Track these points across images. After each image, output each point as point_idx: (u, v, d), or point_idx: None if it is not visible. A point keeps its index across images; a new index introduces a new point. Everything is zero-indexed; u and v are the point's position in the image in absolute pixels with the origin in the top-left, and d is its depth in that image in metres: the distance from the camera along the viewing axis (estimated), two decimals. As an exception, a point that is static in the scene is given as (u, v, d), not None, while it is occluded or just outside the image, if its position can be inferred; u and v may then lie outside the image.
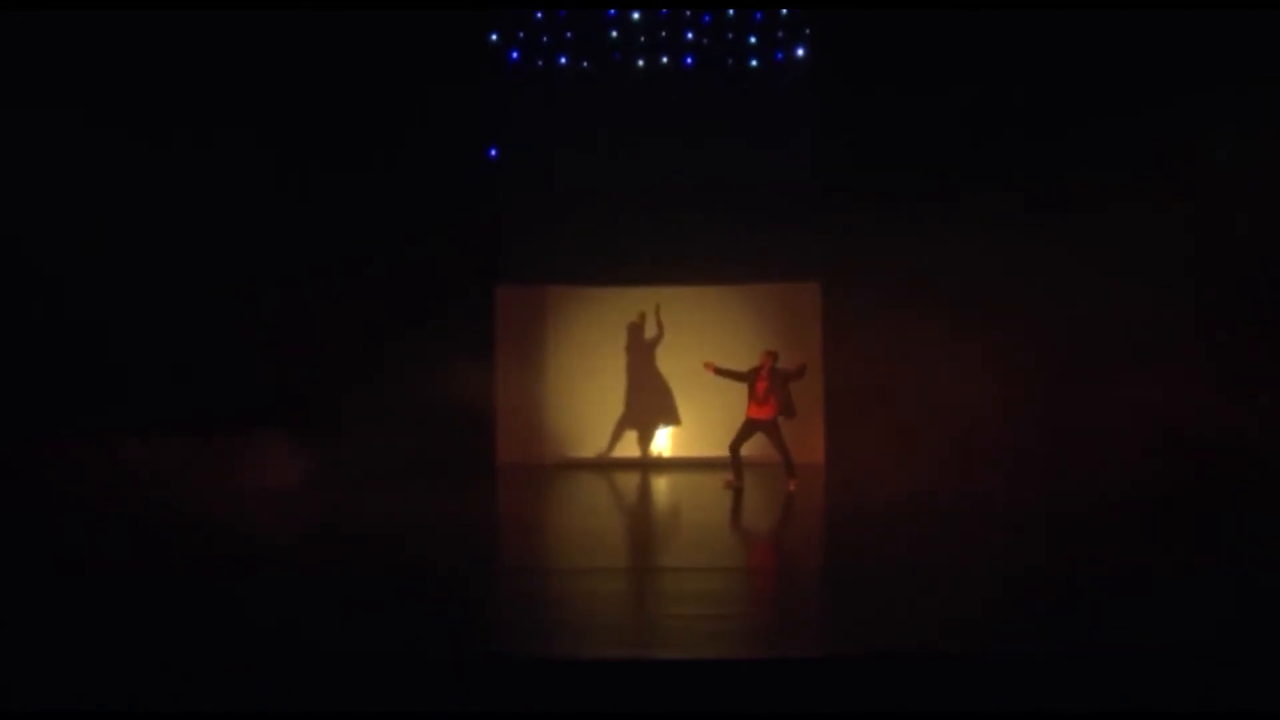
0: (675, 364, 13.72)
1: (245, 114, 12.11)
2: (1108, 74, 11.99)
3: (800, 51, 13.67)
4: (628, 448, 14.01)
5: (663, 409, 13.94)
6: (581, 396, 13.98)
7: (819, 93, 13.46)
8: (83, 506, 9.90)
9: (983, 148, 12.42)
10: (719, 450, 11.82)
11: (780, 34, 13.63)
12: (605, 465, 13.80)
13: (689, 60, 13.77)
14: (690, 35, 13.68)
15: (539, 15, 13.54)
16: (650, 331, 13.96)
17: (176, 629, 5.89)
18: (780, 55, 13.75)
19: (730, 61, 13.75)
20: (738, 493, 11.31)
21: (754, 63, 13.74)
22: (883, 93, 12.63)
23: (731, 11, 13.55)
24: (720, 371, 11.41)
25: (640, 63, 13.74)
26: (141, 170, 11.75)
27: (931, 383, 12.19)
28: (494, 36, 13.65)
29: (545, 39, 13.70)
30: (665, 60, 13.76)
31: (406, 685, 5.14)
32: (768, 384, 11.17)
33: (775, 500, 11.02)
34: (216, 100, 11.97)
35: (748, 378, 11.34)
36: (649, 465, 13.88)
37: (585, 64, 13.78)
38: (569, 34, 13.66)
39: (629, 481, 12.85)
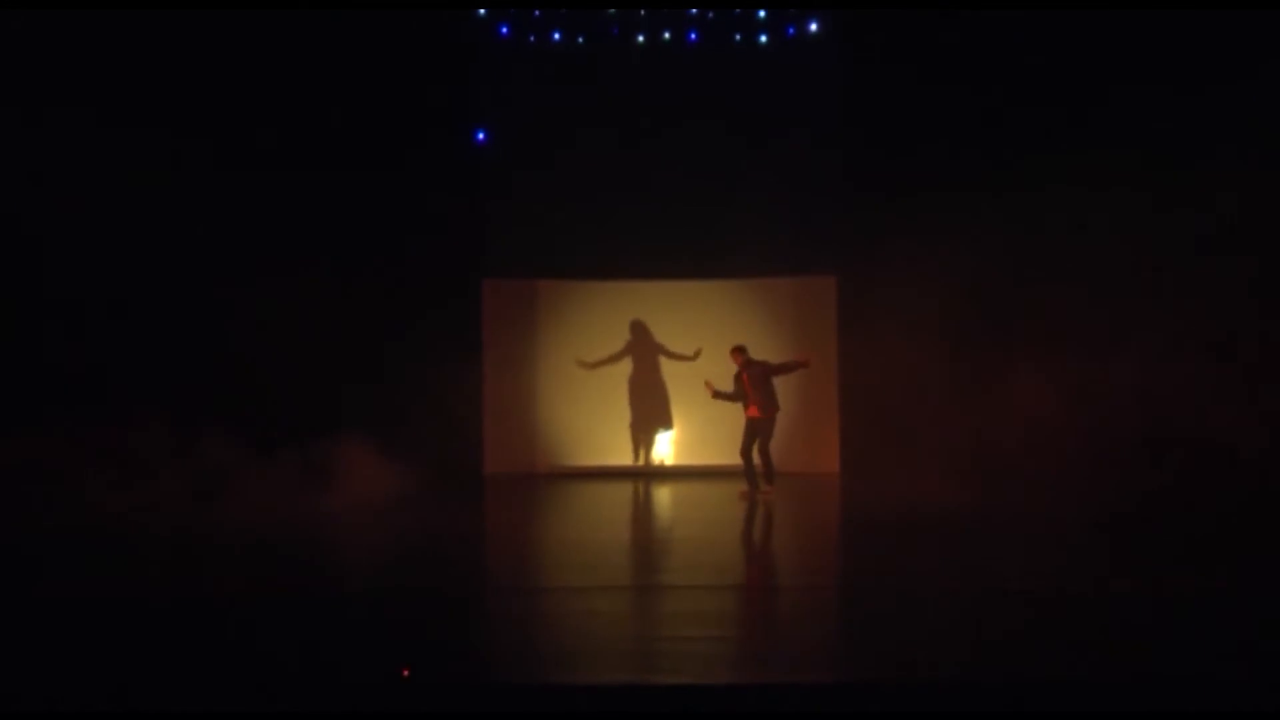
0: (678, 365, 13.05)
1: (235, 110, 11.90)
2: (1124, 72, 11.73)
3: (814, 26, 12.82)
4: (626, 455, 13.38)
5: (664, 413, 13.34)
6: (576, 400, 13.31)
7: (838, 77, 12.84)
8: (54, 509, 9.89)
9: (1006, 142, 12.12)
10: (725, 458, 11.38)
11: (792, 10, 12.85)
12: (602, 474, 13.17)
13: (693, 36, 12.89)
14: (694, 11, 12.86)
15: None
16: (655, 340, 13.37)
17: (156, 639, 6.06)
18: (792, 30, 12.88)
19: (738, 38, 12.95)
20: (751, 504, 10.84)
21: (763, 38, 12.90)
22: (906, 82, 12.34)
23: None
24: (718, 395, 11.09)
25: (640, 39, 12.91)
26: (124, 166, 11.35)
27: (950, 383, 11.99)
28: (482, 11, 12.87)
29: (537, 13, 12.92)
30: (668, 36, 12.94)
31: (393, 711, 5.12)
32: (750, 380, 10.80)
33: (786, 512, 10.61)
34: (203, 97, 11.75)
35: (737, 389, 10.99)
36: (650, 474, 13.28)
37: (580, 40, 12.96)
38: (562, 8, 12.84)
39: (627, 492, 12.36)
